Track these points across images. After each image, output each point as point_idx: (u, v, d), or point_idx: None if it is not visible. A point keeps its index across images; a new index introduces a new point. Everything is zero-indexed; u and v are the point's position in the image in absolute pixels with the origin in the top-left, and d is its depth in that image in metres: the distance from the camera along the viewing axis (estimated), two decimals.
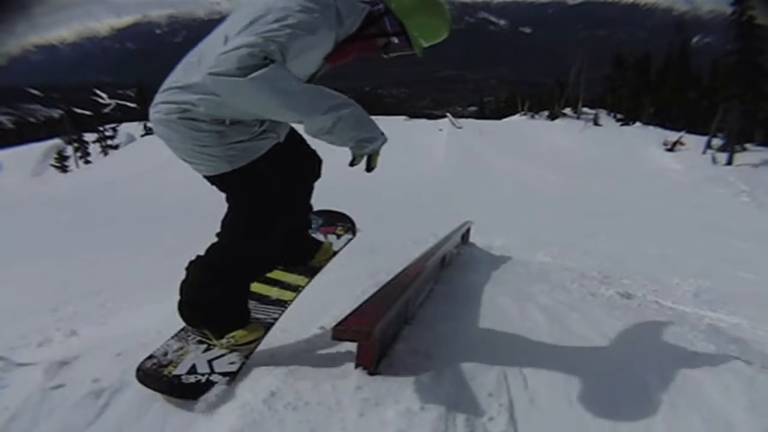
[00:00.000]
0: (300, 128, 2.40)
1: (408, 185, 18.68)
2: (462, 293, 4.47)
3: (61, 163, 45.85)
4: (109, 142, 50.01)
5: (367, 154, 2.36)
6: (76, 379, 2.52)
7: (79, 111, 62.79)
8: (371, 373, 2.57)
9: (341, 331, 2.51)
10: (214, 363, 2.68)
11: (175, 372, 2.58)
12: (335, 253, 3.65)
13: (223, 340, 2.75)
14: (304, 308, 3.75)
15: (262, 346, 2.95)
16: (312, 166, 3.12)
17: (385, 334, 2.87)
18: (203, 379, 2.56)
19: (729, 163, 25.23)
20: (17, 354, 3.06)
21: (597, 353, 3.10)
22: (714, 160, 25.85)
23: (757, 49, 27.07)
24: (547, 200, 17.24)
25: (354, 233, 3.63)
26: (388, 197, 14.72)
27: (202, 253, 2.81)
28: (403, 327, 3.35)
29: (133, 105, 72.12)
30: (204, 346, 2.82)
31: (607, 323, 3.69)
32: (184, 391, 2.47)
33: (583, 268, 6.48)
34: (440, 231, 7.04)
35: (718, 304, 5.47)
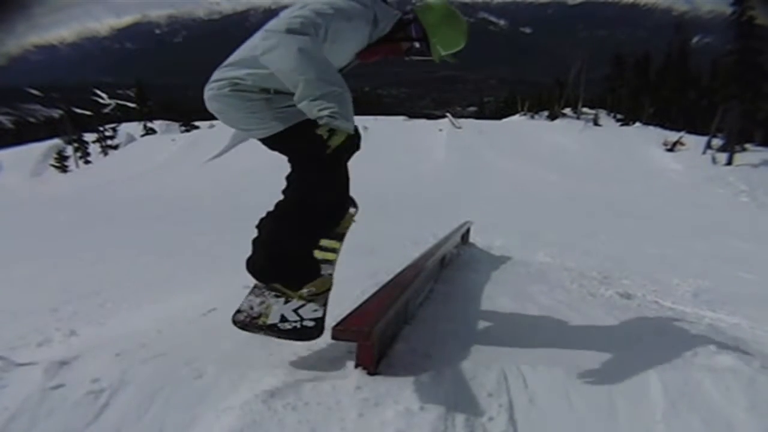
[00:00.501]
0: None
1: (408, 185, 18.71)
2: (462, 293, 4.47)
3: (61, 163, 45.75)
4: (109, 142, 49.89)
5: (330, 129, 2.50)
6: (76, 379, 2.52)
7: (78, 111, 62.66)
8: (371, 373, 2.56)
9: (341, 331, 2.52)
10: (300, 312, 2.91)
11: (269, 322, 2.85)
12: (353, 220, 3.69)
13: (303, 291, 2.96)
14: None
15: (261, 345, 2.96)
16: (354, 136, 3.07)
17: (385, 334, 2.87)
18: (298, 325, 2.83)
19: (729, 163, 25.22)
20: (17, 354, 3.06)
21: (596, 353, 3.10)
22: (714, 160, 25.85)
23: (756, 49, 27.07)
24: (547, 200, 17.25)
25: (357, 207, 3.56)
26: (388, 197, 14.73)
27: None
28: (403, 327, 3.35)
29: (132, 105, 71.98)
30: (282, 299, 2.99)
31: (607, 323, 3.69)
32: (286, 334, 2.82)
33: (583, 269, 6.49)
34: (440, 231, 7.06)
35: (718, 304, 5.47)
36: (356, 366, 2.60)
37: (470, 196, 16.60)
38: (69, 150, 48.82)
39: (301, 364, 2.77)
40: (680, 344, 3.27)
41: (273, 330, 2.83)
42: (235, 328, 2.96)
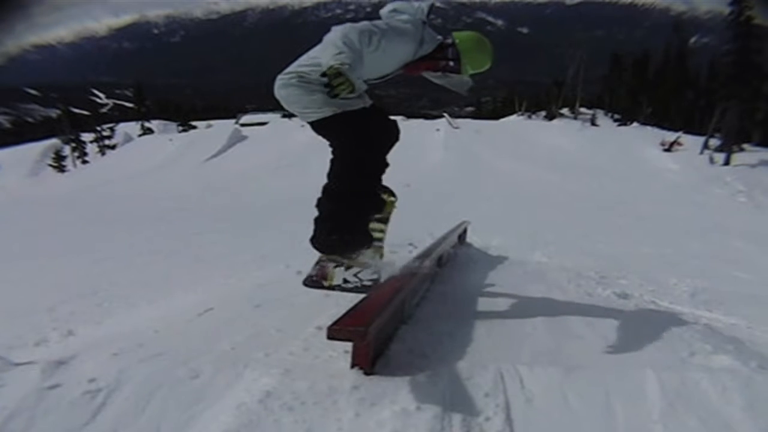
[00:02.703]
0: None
1: (405, 185, 18.72)
2: (459, 293, 4.47)
3: (59, 162, 45.61)
4: (107, 141, 49.79)
5: (332, 83, 2.92)
6: (73, 378, 2.52)
7: (76, 111, 62.35)
8: (367, 373, 2.57)
9: (337, 330, 2.51)
10: (359, 275, 3.55)
11: (334, 283, 3.46)
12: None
13: (358, 258, 3.59)
14: (300, 308, 3.77)
15: (259, 345, 2.96)
16: (392, 128, 3.66)
17: (381, 334, 2.88)
18: (359, 284, 3.45)
19: (726, 163, 25.27)
20: (14, 354, 3.06)
21: (593, 353, 3.11)
22: (711, 161, 25.89)
23: (754, 49, 27.05)
24: (544, 200, 17.25)
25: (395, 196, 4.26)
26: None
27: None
28: (400, 327, 3.35)
29: (130, 105, 71.93)
30: (342, 267, 3.60)
31: (604, 323, 3.69)
32: (349, 290, 3.47)
33: (580, 268, 6.48)
34: (437, 231, 7.05)
35: (715, 304, 5.48)
36: (352, 366, 2.60)
37: (467, 196, 16.59)
38: (66, 150, 48.71)
39: (297, 363, 2.76)
40: (677, 344, 3.28)
41: (337, 288, 3.50)
42: (233, 328, 2.99)
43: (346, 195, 3.46)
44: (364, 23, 3.30)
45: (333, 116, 3.34)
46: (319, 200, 3.57)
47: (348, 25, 3.21)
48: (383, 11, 3.67)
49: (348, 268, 3.59)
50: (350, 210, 3.49)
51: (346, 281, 3.49)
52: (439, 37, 3.63)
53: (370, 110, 3.50)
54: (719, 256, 8.80)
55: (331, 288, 3.45)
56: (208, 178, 27.29)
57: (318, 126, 3.47)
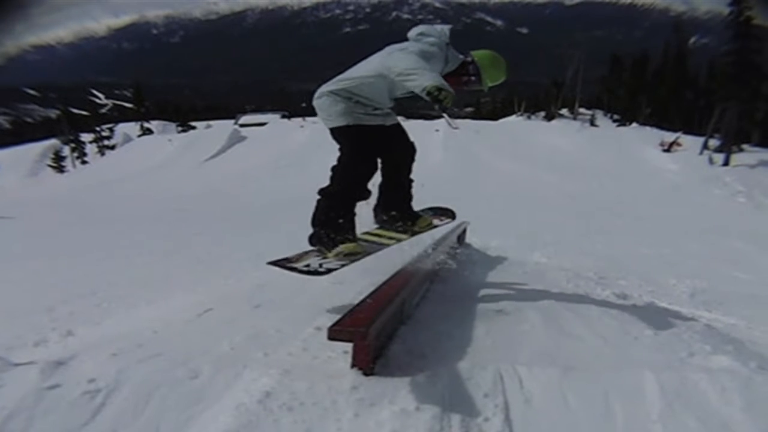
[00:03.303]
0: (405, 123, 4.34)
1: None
2: (458, 294, 4.48)
3: (58, 163, 45.65)
4: (106, 142, 49.84)
5: (439, 97, 3.37)
6: (72, 379, 2.52)
7: (75, 111, 62.33)
8: (367, 374, 2.57)
9: (337, 331, 2.51)
10: (323, 263, 3.72)
11: (295, 266, 3.65)
12: (435, 226, 4.94)
13: (337, 249, 3.89)
14: (300, 308, 3.77)
15: (258, 345, 2.96)
16: (406, 149, 4.41)
17: (381, 335, 2.88)
18: (312, 269, 3.60)
19: (726, 163, 25.27)
20: (13, 354, 3.06)
21: (592, 354, 3.11)
22: (711, 161, 25.88)
23: (754, 50, 27.03)
24: (544, 201, 17.27)
25: (453, 218, 5.22)
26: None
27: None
28: (399, 327, 3.35)
29: (129, 105, 71.80)
30: (321, 257, 3.90)
31: (603, 323, 3.69)
32: (299, 272, 3.60)
33: (579, 269, 6.49)
34: (436, 231, 7.04)
35: (714, 305, 5.49)
36: (352, 366, 2.61)
37: (466, 197, 16.55)
38: (66, 150, 48.75)
39: (296, 364, 2.77)
40: (677, 345, 3.28)
41: (292, 269, 3.66)
42: (233, 329, 2.99)
43: (337, 196, 4.04)
44: (410, 48, 3.90)
45: (346, 126, 3.98)
46: (318, 197, 4.12)
47: (405, 51, 3.87)
48: (411, 34, 4.15)
49: (323, 258, 3.89)
50: (333, 208, 4.02)
51: (306, 266, 3.70)
52: (461, 56, 4.22)
53: (387, 129, 4.22)
54: (718, 256, 8.80)
55: (291, 270, 3.67)
56: (208, 178, 27.32)
57: (334, 132, 4.09)
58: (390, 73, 3.76)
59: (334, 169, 4.12)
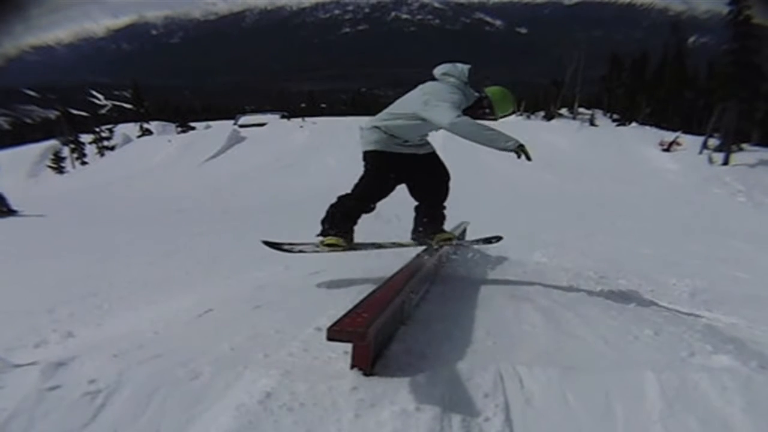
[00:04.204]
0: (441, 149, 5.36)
1: (404, 186, 18.67)
2: (458, 294, 4.48)
3: (58, 164, 45.72)
4: (106, 143, 49.91)
5: (520, 152, 4.49)
6: (73, 380, 2.52)
7: (75, 112, 62.61)
8: (367, 374, 2.57)
9: (336, 331, 2.51)
10: (302, 247, 4.86)
11: (288, 248, 4.78)
12: (454, 242, 5.48)
13: (324, 238, 4.88)
14: (300, 309, 3.77)
15: (258, 346, 2.96)
16: (439, 175, 5.20)
17: (381, 335, 2.88)
18: (288, 249, 4.77)
19: (725, 163, 25.28)
20: (14, 355, 3.06)
21: (593, 354, 3.11)
22: (710, 161, 25.90)
23: (753, 49, 27.02)
24: (543, 201, 17.26)
25: (490, 242, 6.01)
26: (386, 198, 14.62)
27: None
28: (399, 327, 3.35)
29: (129, 106, 71.85)
30: (312, 244, 4.91)
31: (603, 323, 3.69)
32: (277, 248, 4.76)
33: (580, 269, 6.49)
34: None
35: (715, 305, 5.48)
36: (352, 367, 2.61)
37: (466, 197, 16.52)
38: (65, 151, 48.81)
39: (296, 364, 2.77)
40: (677, 344, 3.28)
41: (278, 248, 4.78)
42: (233, 329, 3.01)
43: (347, 202, 4.91)
44: (442, 90, 4.62)
45: (373, 151, 4.85)
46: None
47: (439, 94, 4.57)
48: (437, 72, 4.88)
49: (311, 245, 4.92)
50: (343, 211, 4.91)
51: (288, 245, 4.83)
52: (477, 93, 4.92)
53: (419, 157, 5.04)
54: (719, 256, 8.79)
55: (277, 248, 4.79)
56: (207, 179, 27.31)
57: (365, 154, 4.93)
58: (425, 116, 4.55)
59: (357, 182, 4.94)
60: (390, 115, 4.83)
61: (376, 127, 4.83)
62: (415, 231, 5.35)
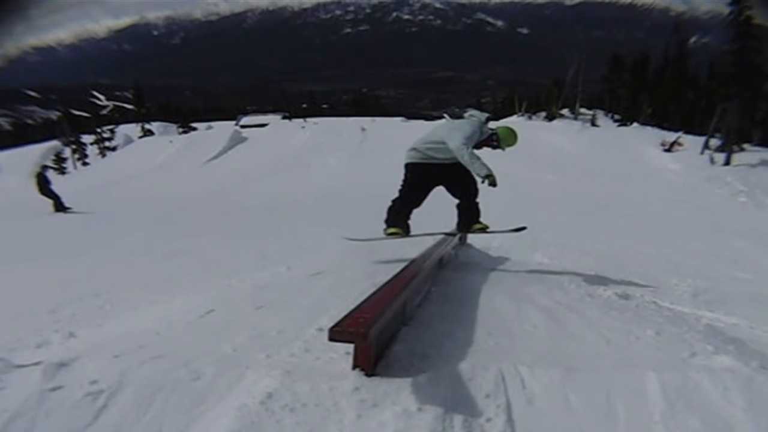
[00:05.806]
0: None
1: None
2: (460, 294, 4.47)
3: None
4: (107, 143, 49.92)
5: (485, 179, 5.49)
6: (74, 380, 2.53)
7: (76, 113, 62.61)
8: (368, 375, 2.57)
9: (338, 332, 2.51)
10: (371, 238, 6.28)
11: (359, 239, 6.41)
12: (489, 231, 6.33)
13: (387, 230, 6.15)
14: (302, 309, 3.77)
15: (260, 347, 2.97)
16: (465, 180, 6.04)
17: (383, 336, 2.88)
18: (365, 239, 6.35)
19: (727, 163, 25.27)
20: (16, 355, 3.06)
21: (594, 354, 3.10)
22: (712, 161, 25.90)
23: (754, 49, 27.00)
24: (545, 201, 17.27)
25: (518, 231, 6.36)
26: (386, 198, 14.65)
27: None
28: (401, 328, 3.35)
29: (130, 106, 71.94)
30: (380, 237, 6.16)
31: (605, 324, 3.69)
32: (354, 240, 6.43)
33: (581, 269, 6.48)
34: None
35: (716, 305, 5.47)
36: (354, 367, 2.61)
37: None
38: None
39: (298, 365, 2.77)
40: (678, 344, 3.28)
41: (355, 240, 6.53)
42: (235, 330, 3.01)
43: (396, 204, 6.21)
44: (464, 125, 5.87)
45: (410, 163, 6.04)
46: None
47: (461, 128, 5.79)
48: (466, 113, 6.27)
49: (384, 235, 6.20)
50: (395, 210, 6.21)
51: (370, 239, 6.40)
52: (489, 130, 6.09)
53: (449, 166, 5.86)
54: (720, 256, 8.78)
55: (357, 240, 6.54)
56: (209, 179, 27.34)
57: (406, 166, 6.11)
58: (448, 143, 5.69)
59: (400, 187, 6.20)
60: (423, 141, 5.99)
61: (414, 148, 6.00)
62: (458, 222, 6.41)
